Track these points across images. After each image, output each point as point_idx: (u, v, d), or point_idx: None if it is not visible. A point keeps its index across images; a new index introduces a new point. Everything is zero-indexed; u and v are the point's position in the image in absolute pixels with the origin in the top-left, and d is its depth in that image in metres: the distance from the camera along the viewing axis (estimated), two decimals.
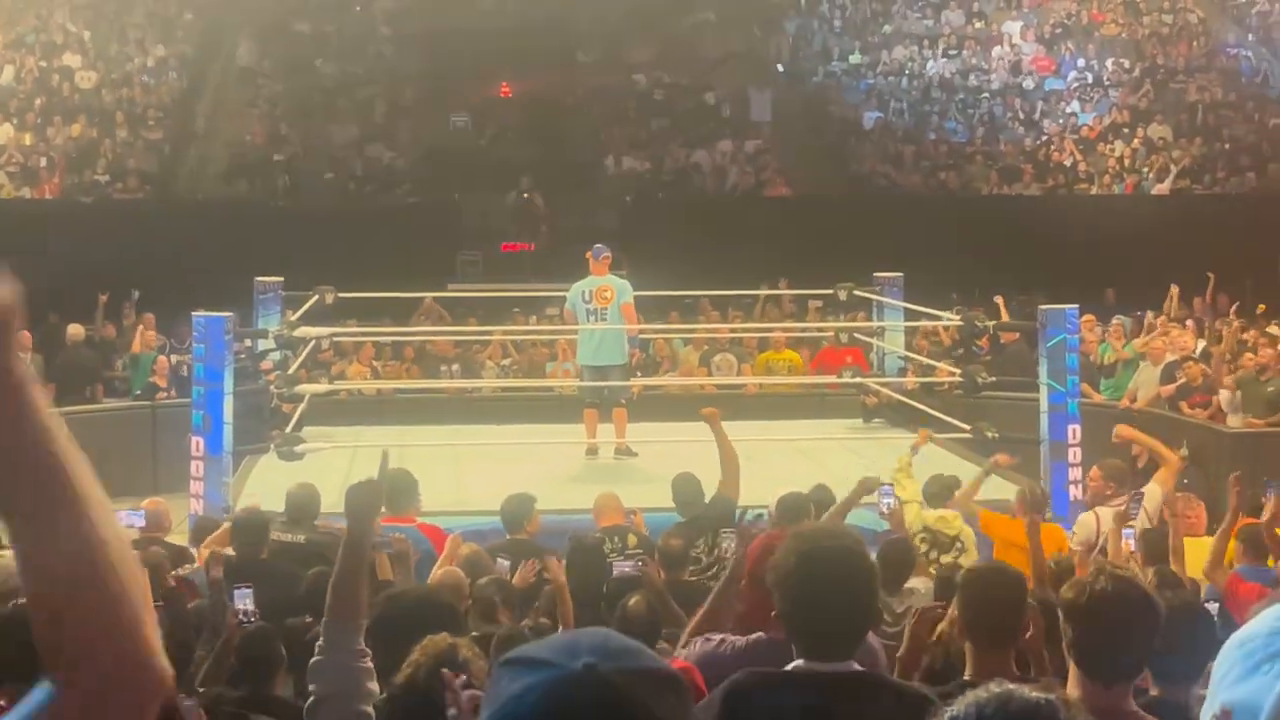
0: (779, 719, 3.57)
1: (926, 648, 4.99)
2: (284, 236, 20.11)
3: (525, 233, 23.36)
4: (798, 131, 25.92)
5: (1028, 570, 7.20)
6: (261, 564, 8.23)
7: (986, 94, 27.04)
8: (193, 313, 12.90)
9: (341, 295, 15.34)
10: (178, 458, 12.56)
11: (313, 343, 14.46)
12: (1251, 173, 24.38)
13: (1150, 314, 17.83)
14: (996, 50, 28.17)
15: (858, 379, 16.14)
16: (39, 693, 1.35)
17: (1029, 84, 27.43)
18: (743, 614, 4.73)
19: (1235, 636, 1.55)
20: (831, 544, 3.71)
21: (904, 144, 25.53)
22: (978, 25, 29.04)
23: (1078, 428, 12.50)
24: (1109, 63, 27.74)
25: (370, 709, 4.06)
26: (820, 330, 17.70)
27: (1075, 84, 27.27)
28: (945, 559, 9.08)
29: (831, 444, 14.08)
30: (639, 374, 15.59)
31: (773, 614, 3.74)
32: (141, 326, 17.53)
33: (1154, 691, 4.49)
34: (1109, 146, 25.28)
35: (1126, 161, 24.82)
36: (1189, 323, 18.04)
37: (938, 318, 15.70)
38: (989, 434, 12.54)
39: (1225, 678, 1.53)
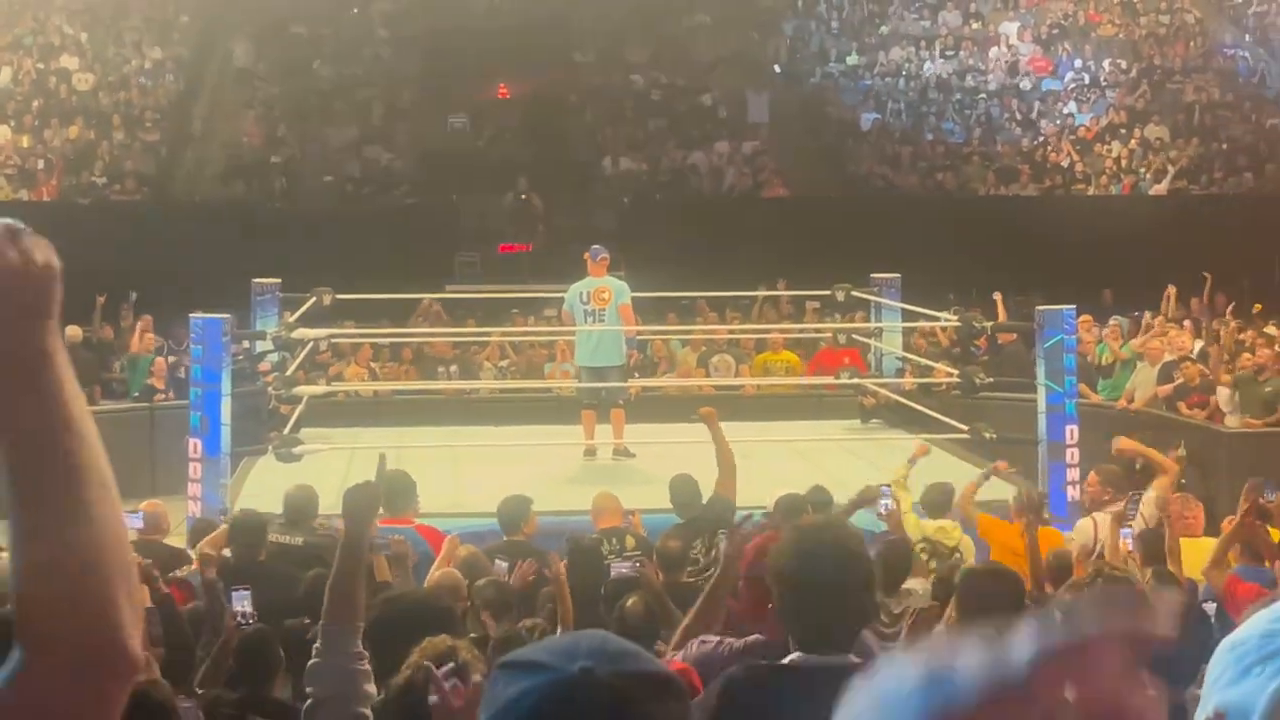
0: (776, 711, 3.57)
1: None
2: (281, 238, 20.12)
3: (523, 234, 23.36)
4: (795, 132, 25.92)
5: (1025, 573, 7.22)
6: (259, 566, 8.23)
7: (983, 95, 27.05)
8: (190, 314, 12.90)
9: (339, 297, 15.33)
10: (175, 459, 12.55)
11: (310, 344, 14.46)
12: (1249, 173, 24.39)
13: (1148, 315, 17.84)
14: (993, 51, 28.18)
15: (855, 380, 16.14)
16: (9, 662, 1.36)
17: (1026, 85, 27.44)
18: (740, 615, 4.73)
19: (1228, 639, 1.55)
20: (829, 536, 3.72)
21: (901, 145, 25.54)
22: (975, 26, 29.05)
23: (1075, 428, 12.50)
24: (1106, 63, 27.76)
25: (368, 711, 4.07)
26: (818, 331, 17.71)
27: (1072, 84, 27.28)
28: (944, 568, 9.08)
29: (829, 445, 14.08)
30: (637, 375, 15.59)
31: (769, 606, 3.74)
32: (140, 328, 17.53)
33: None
34: (1106, 147, 25.29)
35: (1124, 162, 24.84)
36: (1186, 323, 18.05)
37: (935, 319, 15.70)
38: (986, 435, 12.55)
39: (1218, 680, 1.53)
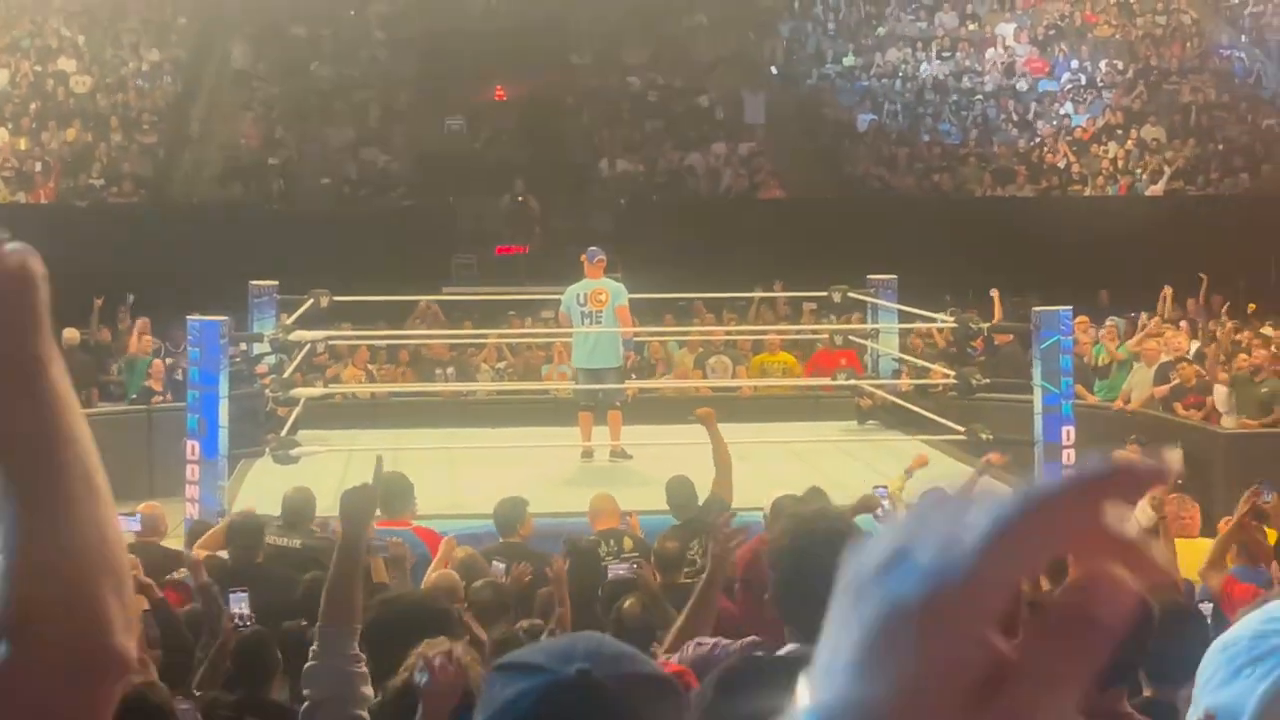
0: (771, 703, 3.57)
1: None
2: (279, 240, 20.11)
3: (520, 235, 23.37)
4: (792, 134, 25.93)
5: None
6: (257, 568, 8.23)
7: (980, 96, 27.06)
8: (187, 316, 12.90)
9: (336, 299, 15.33)
10: (173, 462, 12.55)
11: (308, 346, 14.46)
12: (1245, 174, 24.41)
13: (1144, 315, 17.86)
14: (990, 52, 28.20)
15: (852, 381, 16.15)
16: None
17: (1023, 86, 27.46)
18: (736, 618, 4.74)
19: (1219, 640, 1.56)
20: (825, 524, 3.73)
21: (898, 146, 25.56)
22: (971, 27, 29.07)
23: (1072, 429, 12.51)
24: (1102, 64, 27.78)
25: (365, 713, 4.07)
26: (815, 332, 17.71)
27: (1069, 85, 27.30)
28: None
29: (826, 446, 14.07)
30: (634, 376, 15.59)
31: (765, 596, 3.75)
32: (137, 330, 17.53)
33: (1147, 692, 4.51)
34: (1102, 148, 25.31)
35: (1120, 163, 24.86)
36: (1183, 324, 18.07)
37: (932, 320, 15.71)
38: (983, 435, 12.55)
39: (1209, 682, 1.53)
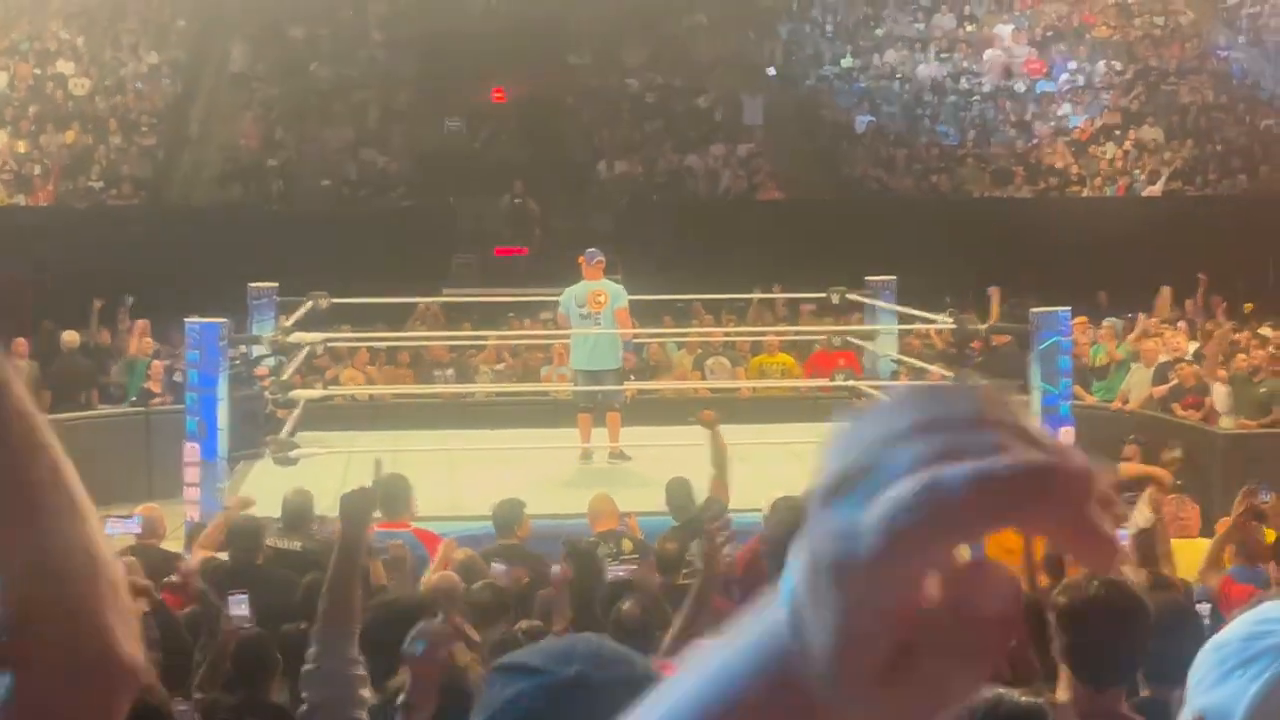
0: None
1: None
2: (278, 241, 20.10)
3: (519, 236, 23.38)
4: (790, 135, 25.94)
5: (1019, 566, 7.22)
6: (257, 570, 8.23)
7: (978, 97, 27.07)
8: (186, 319, 12.89)
9: (336, 300, 15.33)
10: (172, 464, 12.55)
11: (307, 348, 14.46)
12: (1243, 175, 24.43)
13: (1143, 316, 17.86)
14: (988, 53, 28.21)
15: (851, 382, 16.14)
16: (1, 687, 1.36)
17: (1020, 87, 27.47)
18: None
19: (1210, 642, 1.56)
20: None
21: (896, 147, 25.56)
22: (969, 28, 29.08)
23: (1070, 430, 12.51)
24: (1100, 65, 27.79)
25: (364, 715, 4.08)
26: (813, 334, 17.71)
27: (1067, 86, 27.31)
28: None
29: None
30: (633, 378, 15.59)
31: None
32: (137, 332, 17.54)
33: (1145, 692, 4.52)
34: (1101, 149, 25.32)
35: (1118, 164, 24.87)
36: (1181, 324, 18.07)
37: (930, 321, 15.71)
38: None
39: (1201, 683, 1.54)
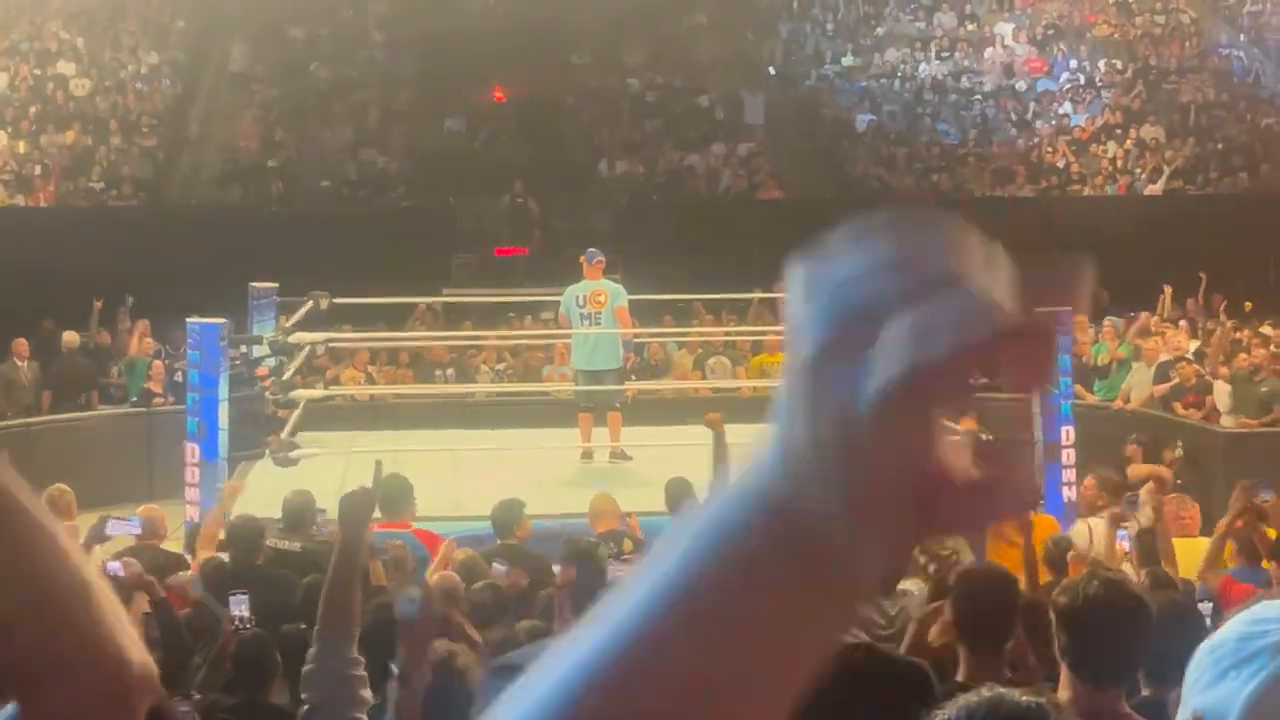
0: None
1: (925, 647, 5.00)
2: (278, 241, 20.09)
3: (519, 236, 23.36)
4: (791, 134, 25.92)
5: (1020, 563, 7.23)
6: (257, 570, 8.22)
7: (979, 96, 27.06)
8: (187, 319, 12.89)
9: (336, 300, 15.32)
10: (173, 464, 12.54)
11: (308, 348, 14.45)
12: (1244, 173, 24.41)
13: (1145, 314, 17.84)
14: (989, 52, 28.20)
15: None
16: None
17: (1021, 85, 27.46)
18: None
19: (1206, 642, 1.56)
20: None
21: (897, 146, 25.55)
22: (970, 27, 29.07)
23: (1071, 429, 12.51)
24: (1101, 64, 27.78)
25: (364, 716, 4.07)
26: None
27: (1068, 85, 27.29)
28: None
29: None
30: (634, 378, 15.58)
31: None
32: (138, 332, 17.54)
33: (1146, 692, 4.51)
34: (1102, 147, 25.30)
35: (1119, 162, 24.85)
36: (1182, 323, 18.06)
37: None
38: (982, 435, 12.52)
39: (1196, 684, 1.53)
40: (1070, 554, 7.83)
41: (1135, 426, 14.30)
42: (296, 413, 13.93)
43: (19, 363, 16.79)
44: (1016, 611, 4.47)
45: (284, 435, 13.25)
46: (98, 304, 18.24)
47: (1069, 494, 11.94)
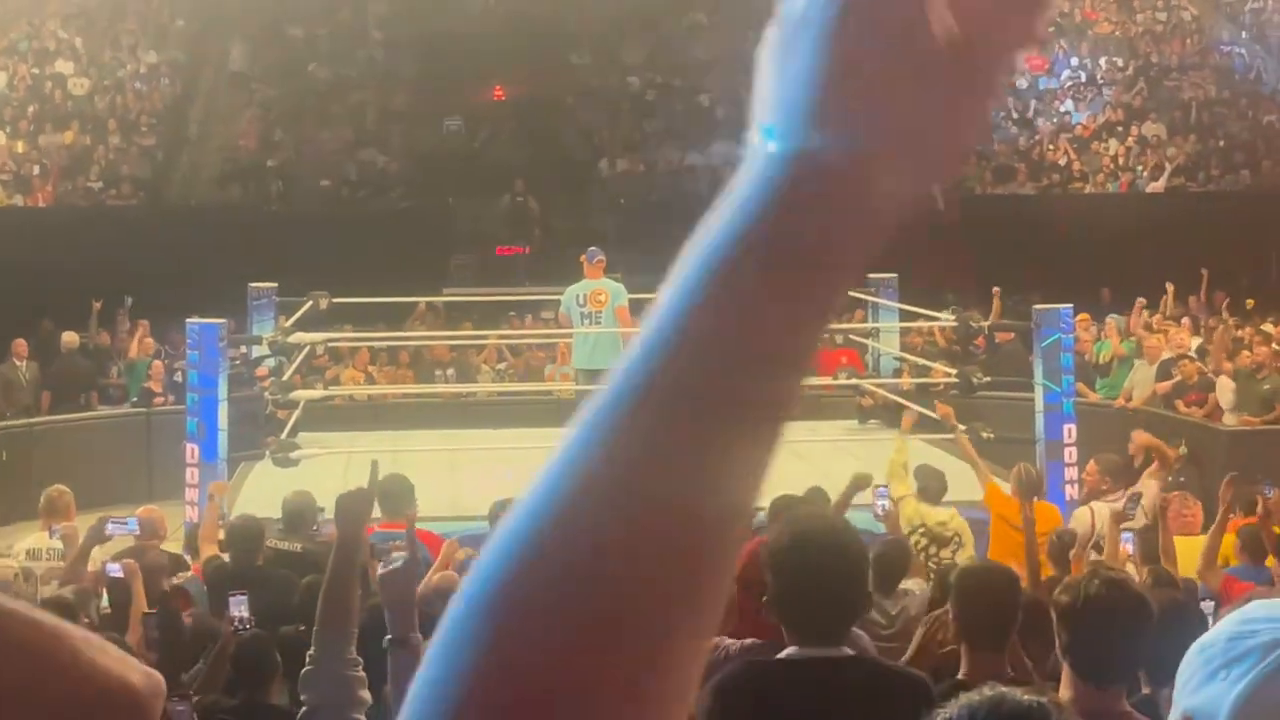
0: (774, 707, 3.56)
1: (930, 654, 4.98)
2: (278, 241, 20.10)
3: (519, 236, 23.34)
4: None
5: (1022, 554, 7.22)
6: (257, 571, 8.20)
7: None
8: (186, 319, 12.88)
9: (335, 300, 15.31)
10: (173, 465, 12.54)
11: (307, 348, 14.44)
12: (1246, 170, 24.40)
13: (1146, 313, 17.83)
14: None
15: (853, 380, 16.12)
16: None
17: (1022, 83, 27.43)
18: (734, 622, 4.71)
19: (1197, 642, 1.54)
20: (823, 526, 3.72)
21: None
22: None
23: (1073, 427, 12.49)
24: (1102, 61, 27.76)
25: (362, 718, 4.05)
26: None
27: (1069, 83, 27.28)
28: (944, 553, 9.09)
29: (827, 445, 14.04)
30: None
31: (764, 599, 3.73)
32: (139, 333, 17.53)
33: (1146, 690, 4.49)
34: (1103, 145, 25.29)
35: (1121, 160, 24.84)
36: (1184, 320, 18.04)
37: (933, 318, 15.68)
38: (984, 434, 12.51)
39: (1187, 684, 1.52)
40: (1073, 552, 7.81)
41: (1137, 425, 14.27)
42: (296, 413, 13.92)
43: (18, 363, 16.78)
44: (1018, 610, 4.45)
45: (284, 435, 13.24)
46: (97, 304, 18.24)
47: (1071, 492, 11.92)
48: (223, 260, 18.57)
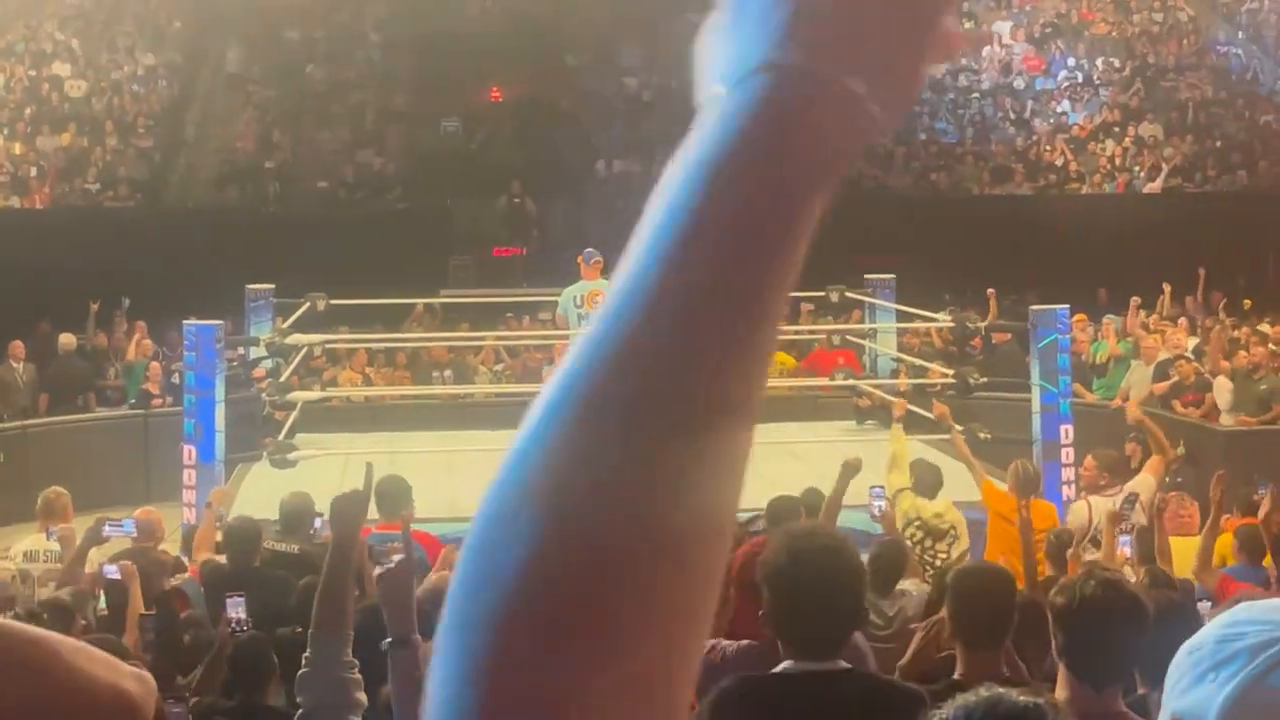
0: None
1: (928, 659, 4.98)
2: (275, 243, 20.09)
3: (517, 237, 23.35)
4: None
5: (1018, 552, 7.22)
6: (255, 572, 8.20)
7: (977, 94, 27.05)
8: (184, 321, 12.89)
9: (333, 302, 15.30)
10: (170, 466, 12.53)
11: (305, 350, 14.43)
12: (1242, 170, 24.41)
13: (1143, 313, 17.83)
14: (987, 50, 28.18)
15: (850, 381, 16.12)
16: None
17: (1019, 84, 27.45)
18: (732, 623, 4.71)
19: (1185, 644, 1.54)
20: (821, 543, 3.71)
21: (894, 145, 25.52)
22: (968, 25, 29.03)
23: (1070, 428, 12.49)
24: (1099, 61, 27.77)
25: (359, 719, 4.05)
26: (812, 333, 17.67)
27: (1066, 83, 27.29)
28: (940, 547, 9.09)
29: (824, 446, 14.04)
30: None
31: (760, 613, 3.73)
32: (136, 335, 17.53)
33: (1141, 690, 4.50)
34: (1100, 145, 25.30)
35: (1117, 160, 24.85)
36: (1181, 321, 18.05)
37: (930, 319, 15.69)
38: (981, 435, 12.52)
39: (1176, 686, 1.51)
40: (1070, 551, 7.81)
41: (1133, 425, 14.27)
42: (294, 414, 13.91)
43: (15, 365, 16.78)
44: (1014, 611, 4.45)
45: (281, 437, 13.24)
46: (94, 306, 18.23)
47: (1068, 493, 11.92)
48: (220, 262, 18.57)
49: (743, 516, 7.72)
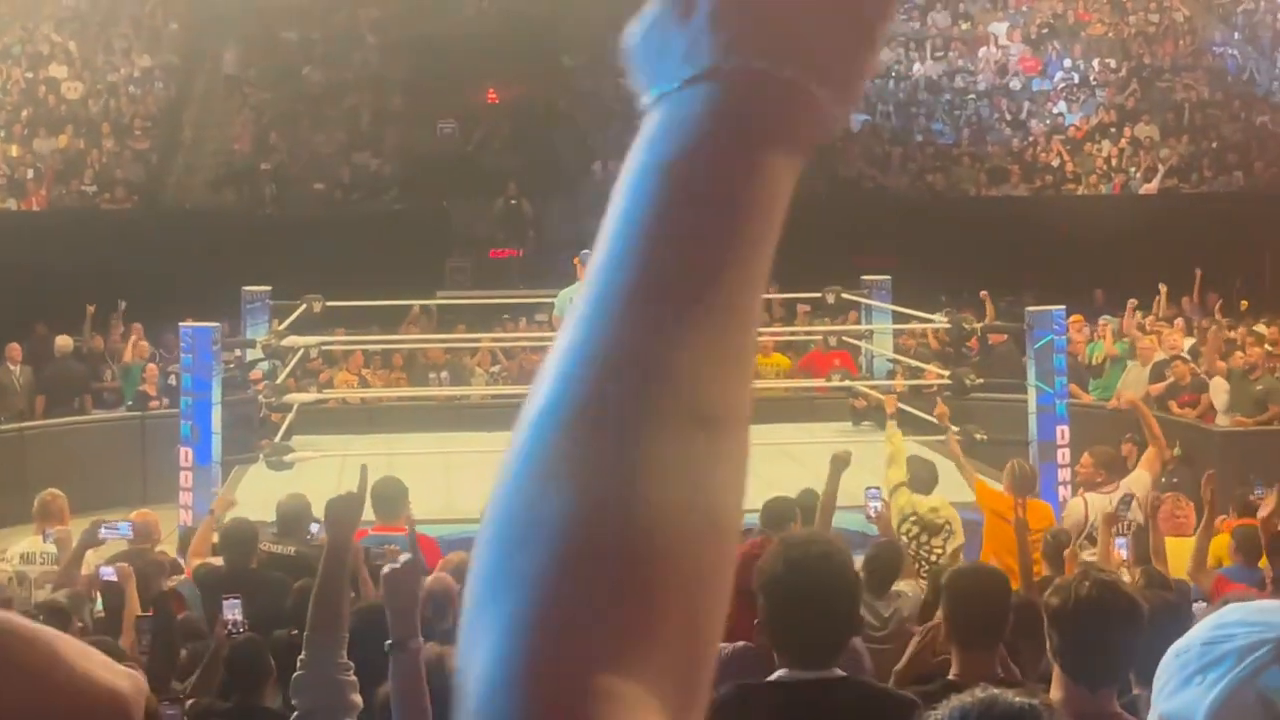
0: None
1: (924, 663, 4.99)
2: (272, 245, 20.09)
3: (513, 239, 23.35)
4: None
5: (1015, 552, 7.23)
6: (251, 574, 8.20)
7: (973, 95, 27.06)
8: (180, 323, 12.89)
9: (329, 303, 15.30)
10: (167, 468, 12.54)
11: (301, 351, 14.44)
12: (1239, 171, 24.42)
13: (1139, 314, 17.84)
14: (983, 51, 28.19)
15: (846, 382, 16.13)
16: None
17: (1016, 85, 27.46)
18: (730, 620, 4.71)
19: (1172, 647, 1.54)
20: (818, 551, 3.71)
21: (891, 146, 25.54)
22: (964, 26, 29.06)
23: (1066, 428, 12.50)
24: (1095, 62, 27.78)
25: None
26: (808, 334, 17.69)
27: (1062, 84, 27.30)
28: (935, 542, 9.11)
29: (820, 447, 14.01)
30: None
31: (755, 622, 3.73)
32: (133, 337, 17.53)
33: (1136, 690, 4.50)
34: (1096, 146, 25.31)
35: (1114, 161, 24.86)
36: (1177, 321, 18.06)
37: (926, 320, 15.70)
38: (977, 436, 12.54)
39: (1163, 688, 1.51)
40: (1066, 551, 7.82)
41: (1130, 426, 14.28)
42: (290, 416, 13.91)
43: (12, 367, 16.77)
44: (1009, 612, 4.46)
45: (278, 439, 13.24)
46: (91, 308, 18.22)
47: (1065, 493, 11.92)
48: (217, 264, 18.57)
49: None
